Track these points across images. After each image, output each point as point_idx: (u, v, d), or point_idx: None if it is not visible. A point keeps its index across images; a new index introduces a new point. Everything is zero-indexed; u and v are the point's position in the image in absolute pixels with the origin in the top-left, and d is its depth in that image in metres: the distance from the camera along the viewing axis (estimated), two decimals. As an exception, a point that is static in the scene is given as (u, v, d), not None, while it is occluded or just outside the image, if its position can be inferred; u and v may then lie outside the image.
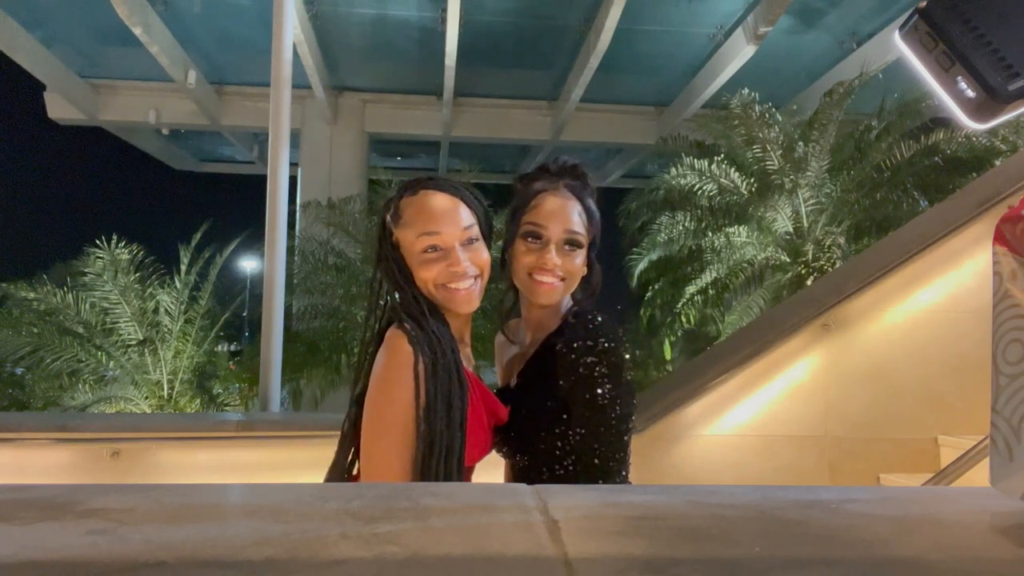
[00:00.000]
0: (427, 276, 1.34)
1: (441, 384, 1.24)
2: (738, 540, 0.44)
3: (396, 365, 1.25)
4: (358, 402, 1.31)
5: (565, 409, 1.31)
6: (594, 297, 1.49)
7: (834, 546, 0.43)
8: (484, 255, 1.39)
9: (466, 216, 1.37)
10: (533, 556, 0.40)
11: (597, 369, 1.30)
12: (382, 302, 1.40)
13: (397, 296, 1.37)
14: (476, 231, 1.39)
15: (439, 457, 1.21)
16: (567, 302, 1.47)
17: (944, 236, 3.36)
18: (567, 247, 1.41)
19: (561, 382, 1.32)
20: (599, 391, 1.29)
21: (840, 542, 0.44)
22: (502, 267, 1.50)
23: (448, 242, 1.34)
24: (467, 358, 1.41)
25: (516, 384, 1.45)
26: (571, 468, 1.32)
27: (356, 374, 1.37)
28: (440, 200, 1.36)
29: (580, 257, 1.42)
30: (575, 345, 1.32)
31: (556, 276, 1.40)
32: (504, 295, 1.54)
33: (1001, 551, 0.44)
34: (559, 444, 1.32)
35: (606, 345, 1.32)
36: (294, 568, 0.37)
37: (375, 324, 1.39)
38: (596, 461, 1.27)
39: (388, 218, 1.40)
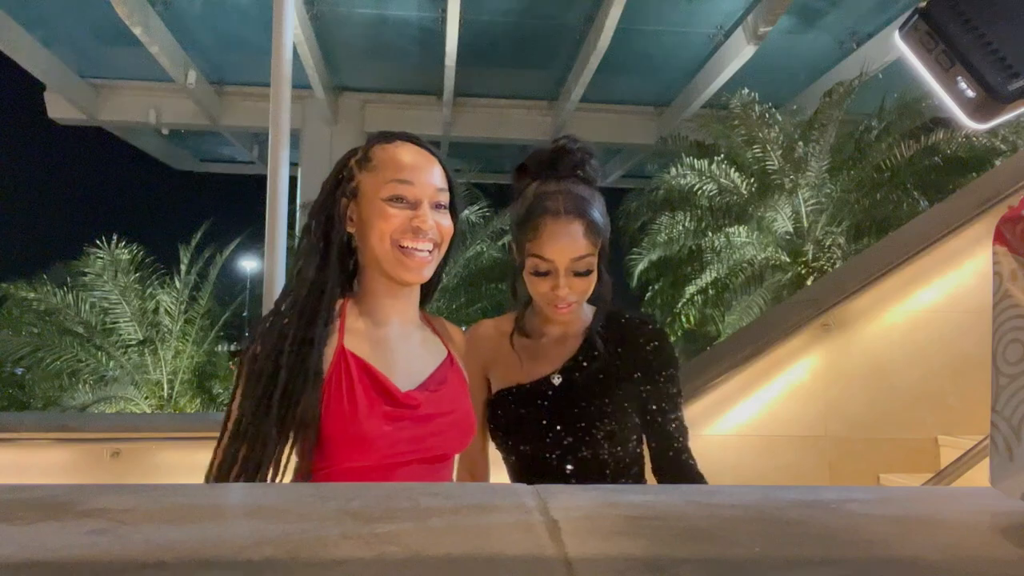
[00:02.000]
0: (386, 228, 1.19)
1: (263, 370, 1.13)
2: (738, 540, 0.44)
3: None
4: None
5: (646, 401, 1.41)
6: (607, 303, 1.49)
7: (834, 546, 0.43)
8: (448, 223, 1.26)
9: (441, 178, 1.26)
10: (533, 556, 0.40)
11: (674, 363, 1.44)
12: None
13: (319, 254, 1.22)
14: (447, 199, 1.27)
15: (256, 455, 1.09)
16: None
17: (944, 236, 3.36)
18: (576, 273, 1.37)
19: (657, 376, 1.41)
20: (678, 384, 1.44)
21: (840, 542, 0.44)
22: (513, 294, 1.48)
23: (418, 195, 1.21)
24: (407, 339, 1.27)
25: (561, 381, 1.43)
26: (638, 460, 1.45)
27: None
28: (418, 153, 1.26)
29: (593, 274, 1.39)
30: (658, 341, 1.44)
31: (570, 302, 1.38)
32: (520, 301, 1.50)
33: (1001, 551, 0.44)
34: (636, 434, 1.42)
35: (671, 342, 1.47)
36: (294, 568, 0.37)
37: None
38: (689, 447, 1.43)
39: (353, 162, 1.26)
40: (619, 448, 1.39)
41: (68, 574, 0.37)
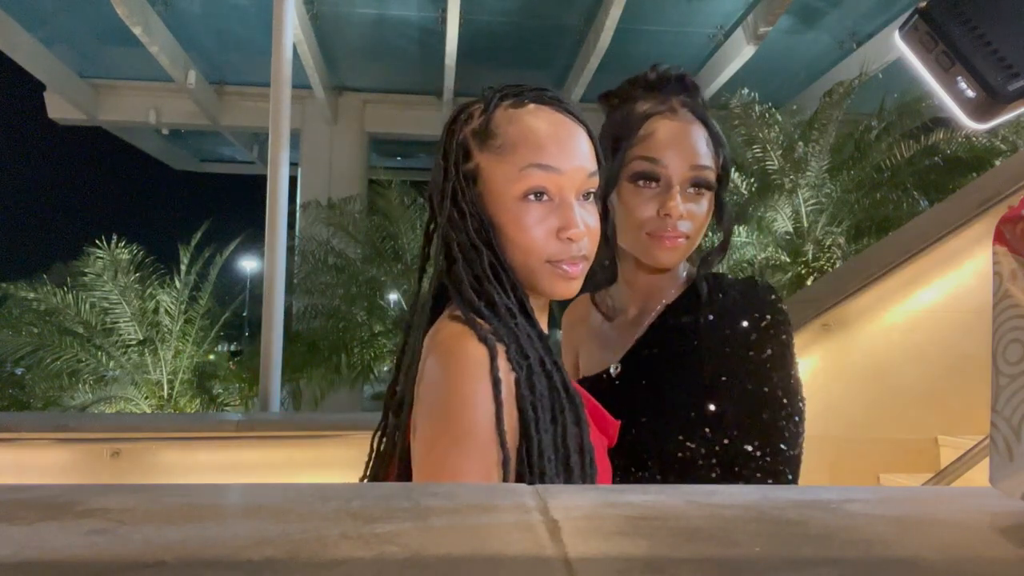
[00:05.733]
0: (533, 244, 0.85)
1: (542, 405, 0.78)
2: (738, 540, 0.44)
3: (463, 375, 0.77)
4: (397, 412, 0.89)
5: (726, 399, 0.99)
6: (725, 250, 1.14)
7: (834, 546, 0.43)
8: (596, 222, 0.90)
9: (590, 156, 0.89)
10: (533, 556, 0.40)
11: (790, 345, 1.03)
12: (432, 273, 0.89)
13: (461, 262, 0.85)
14: (596, 183, 0.90)
15: None
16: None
17: (944, 236, 3.36)
18: (693, 189, 1.03)
19: (755, 366, 1.00)
20: (795, 371, 1.03)
21: (840, 542, 0.44)
22: (603, 220, 1.09)
23: (565, 188, 0.86)
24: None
25: (620, 372, 1.07)
26: (718, 476, 0.98)
27: (395, 376, 0.92)
28: (560, 122, 0.88)
29: (708, 201, 1.06)
30: (771, 318, 1.03)
31: (680, 231, 1.03)
32: (601, 257, 1.11)
33: (1001, 551, 0.44)
34: (711, 445, 0.98)
35: (788, 315, 1.05)
36: (294, 568, 0.37)
37: (423, 308, 0.89)
38: (789, 457, 0.97)
39: (468, 134, 0.88)
40: (691, 478, 0.97)
41: (68, 574, 0.36)
